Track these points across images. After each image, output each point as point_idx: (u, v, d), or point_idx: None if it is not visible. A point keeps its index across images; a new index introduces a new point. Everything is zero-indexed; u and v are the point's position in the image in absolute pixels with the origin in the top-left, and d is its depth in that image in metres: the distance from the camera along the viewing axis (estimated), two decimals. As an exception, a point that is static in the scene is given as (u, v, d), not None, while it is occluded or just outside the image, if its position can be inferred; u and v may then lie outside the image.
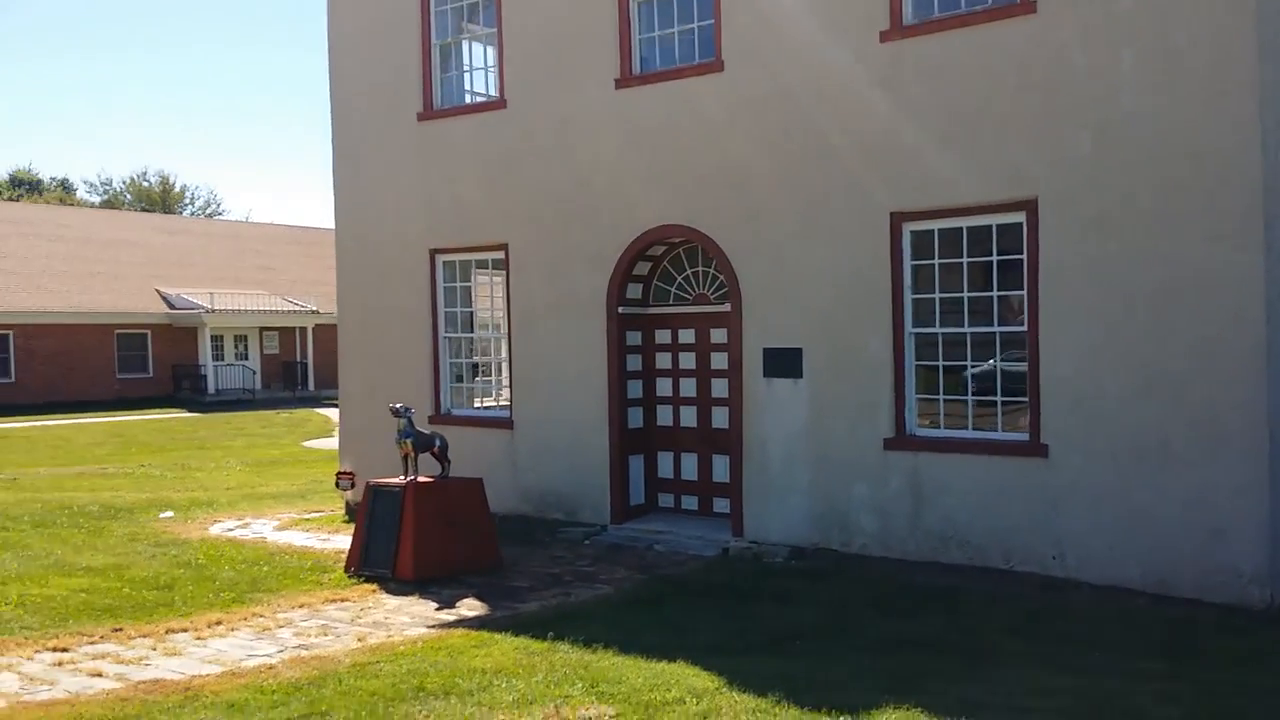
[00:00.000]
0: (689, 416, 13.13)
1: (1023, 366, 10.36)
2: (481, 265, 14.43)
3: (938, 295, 10.83)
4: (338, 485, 15.49)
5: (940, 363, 10.86)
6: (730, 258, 11.96)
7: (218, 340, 43.82)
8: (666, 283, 13.21)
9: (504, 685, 6.93)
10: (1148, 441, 9.59)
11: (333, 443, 29.07)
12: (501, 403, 15.14)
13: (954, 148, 10.50)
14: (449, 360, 14.67)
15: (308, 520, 15.13)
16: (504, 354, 14.65)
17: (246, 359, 44.90)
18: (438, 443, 11.35)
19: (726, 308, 12.43)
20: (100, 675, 7.32)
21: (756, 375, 11.81)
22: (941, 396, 10.95)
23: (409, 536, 10.61)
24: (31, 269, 42.14)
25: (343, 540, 13.21)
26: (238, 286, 45.73)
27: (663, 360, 13.31)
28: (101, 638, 8.37)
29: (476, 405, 15.02)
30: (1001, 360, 10.60)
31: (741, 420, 11.91)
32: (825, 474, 11.35)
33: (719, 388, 12.84)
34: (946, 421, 10.93)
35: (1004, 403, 10.61)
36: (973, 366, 10.73)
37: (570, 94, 13.11)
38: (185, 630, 8.68)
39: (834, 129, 11.21)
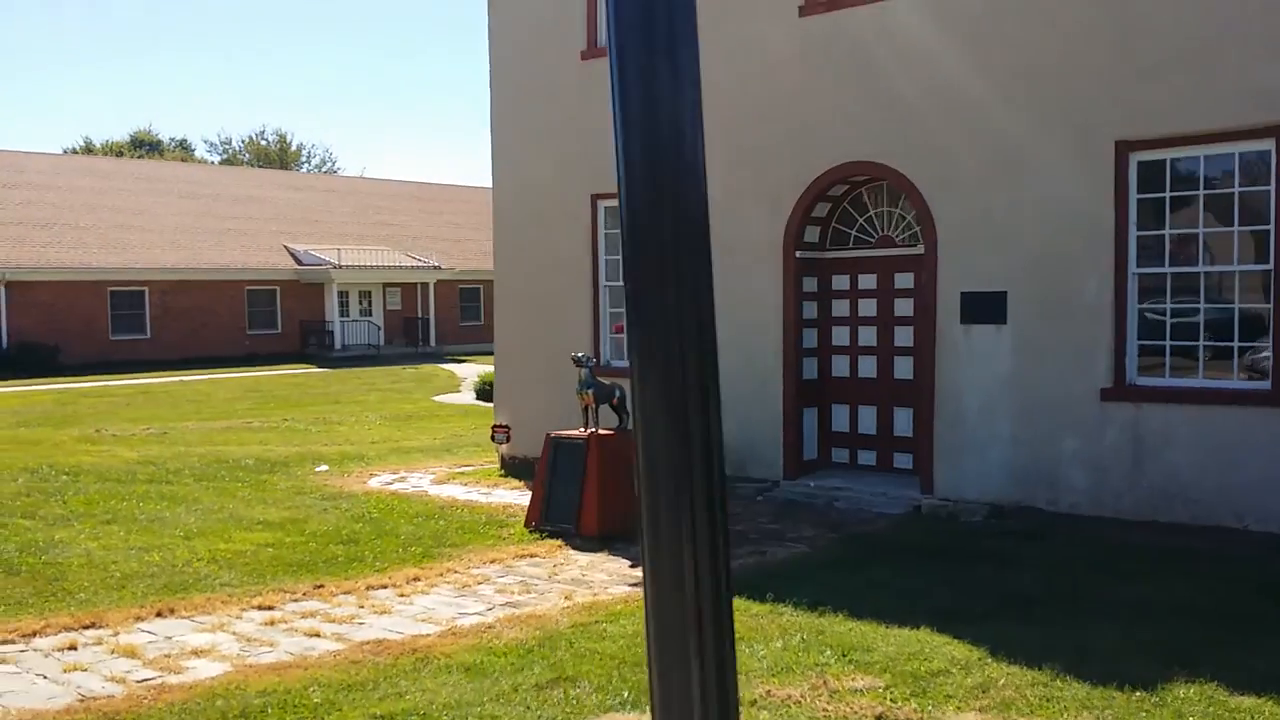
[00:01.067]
0: (867, 367, 12.43)
1: (1262, 308, 9.43)
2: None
3: (1167, 232, 9.92)
4: (493, 438, 15.18)
5: (1168, 304, 9.97)
6: (926, 195, 11.17)
7: (343, 296, 44.26)
8: (846, 225, 12.48)
9: (748, 651, 6.42)
10: None
11: (461, 398, 29.17)
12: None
13: (1192, 69, 9.55)
14: (609, 310, 14.18)
15: (463, 474, 14.88)
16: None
17: (370, 315, 45.29)
18: (617, 394, 10.89)
19: (917, 250, 11.67)
20: (318, 635, 7.02)
21: (953, 321, 11.05)
22: (1168, 342, 10.08)
23: (593, 491, 10.18)
24: (165, 225, 42.95)
25: (505, 494, 12.93)
26: (361, 243, 46.09)
27: (839, 308, 12.62)
28: (304, 594, 8.11)
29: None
30: (1240, 304, 9.68)
31: (934, 370, 11.19)
32: (1030, 427, 10.58)
33: (903, 336, 12.12)
34: (1171, 370, 10.06)
35: (1241, 348, 9.70)
36: (1206, 310, 9.81)
37: (749, 23, 12.36)
38: (386, 587, 8.38)
39: (1050, 49, 10.31)
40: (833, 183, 11.95)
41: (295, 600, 7.96)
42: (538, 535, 10.32)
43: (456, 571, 8.94)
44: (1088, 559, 9.05)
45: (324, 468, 15.79)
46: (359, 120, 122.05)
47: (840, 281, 12.58)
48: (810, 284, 12.48)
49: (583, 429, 10.72)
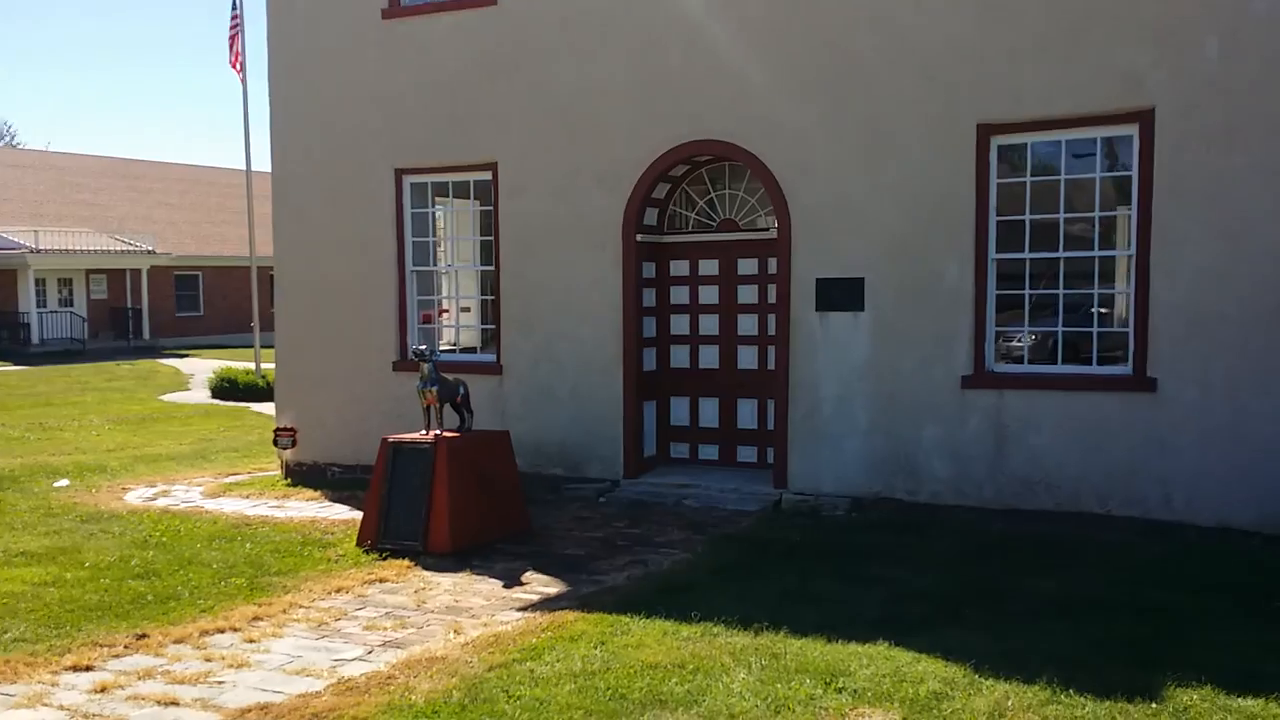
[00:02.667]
0: (709, 357, 11.82)
1: (1118, 293, 9.51)
2: (460, 188, 12.64)
3: (1028, 217, 9.83)
4: (276, 443, 13.51)
5: (1026, 291, 9.89)
6: (779, 177, 10.64)
7: (40, 285, 39.51)
8: (685, 207, 11.80)
9: (720, 686, 5.56)
10: (1273, 373, 8.89)
11: (192, 396, 26.53)
12: (464, 346, 13.49)
13: (1056, 52, 9.47)
14: (416, 297, 12.86)
15: (237, 486, 13.15)
16: (471, 290, 13.02)
17: (72, 305, 40.71)
18: (461, 390, 9.72)
19: (765, 234, 11.15)
20: (176, 704, 5.55)
21: (807, 308, 10.59)
22: (1026, 328, 10.02)
23: (443, 502, 8.98)
24: None
25: (304, 507, 11.45)
26: (60, 224, 41.32)
27: (678, 295, 11.93)
28: (127, 647, 6.52)
29: (443, 347, 13.29)
30: (1100, 288, 9.71)
31: (788, 359, 10.69)
32: (889, 416, 10.28)
33: (747, 324, 11.59)
34: (1030, 357, 10.01)
35: (1100, 334, 9.75)
36: (1065, 295, 9.80)
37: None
38: (224, 630, 6.90)
39: (913, 26, 9.99)
40: (675, 162, 11.21)
41: (118, 656, 6.38)
42: (376, 555, 9.00)
43: (302, 606, 7.55)
44: (974, 552, 8.80)
45: (64, 482, 13.59)
46: (42, 87, 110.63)
47: (679, 267, 11.88)
48: (648, 270, 11.72)
49: (424, 431, 9.48)
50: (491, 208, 12.18)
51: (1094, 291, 9.73)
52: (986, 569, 8.26)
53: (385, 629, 7.00)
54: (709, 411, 11.84)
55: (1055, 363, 9.88)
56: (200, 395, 26.28)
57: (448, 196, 12.72)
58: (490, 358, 12.33)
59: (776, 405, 10.82)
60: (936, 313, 10.05)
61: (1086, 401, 9.55)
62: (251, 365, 28.04)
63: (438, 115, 12.23)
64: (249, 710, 5.39)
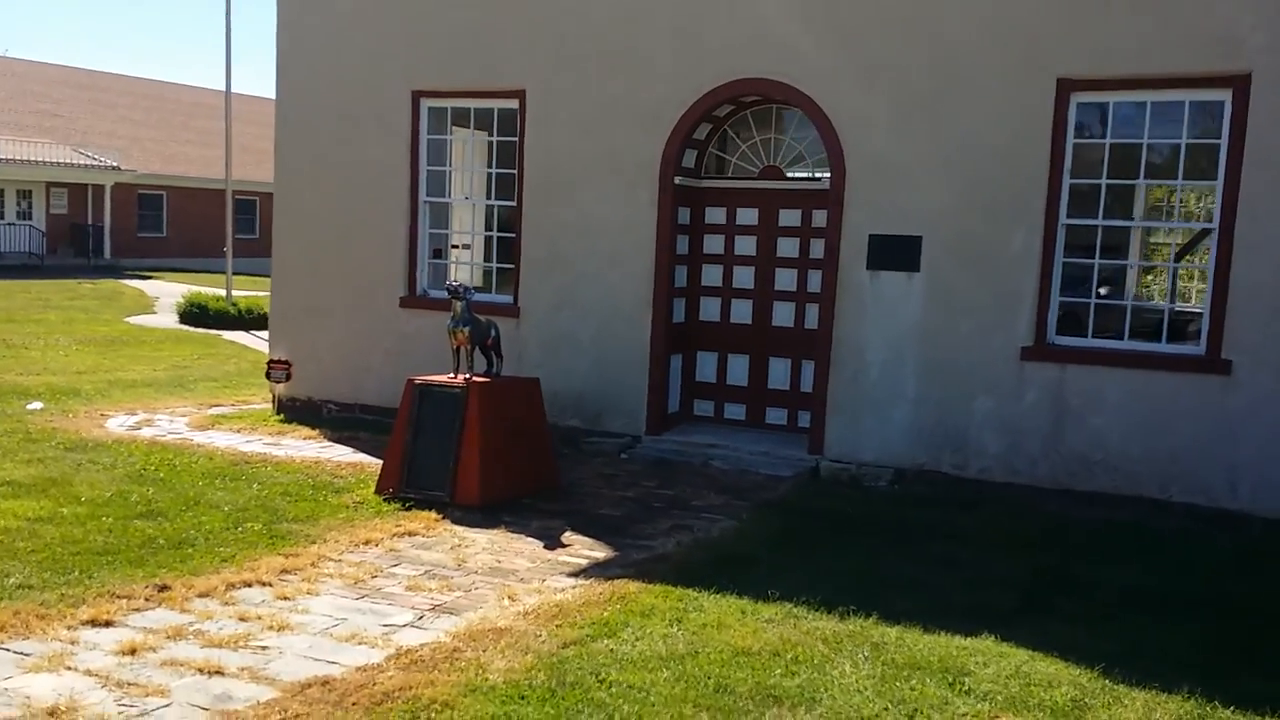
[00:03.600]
0: (742, 312, 11.19)
1: (1195, 268, 9.00)
2: (482, 116, 11.83)
3: (1105, 181, 9.26)
4: (269, 376, 12.74)
5: (1096, 260, 9.35)
6: (836, 123, 9.97)
7: (-3, 195, 37.94)
8: (726, 151, 11.10)
9: (832, 684, 5.00)
10: (1359, 363, 8.45)
11: (160, 321, 25.48)
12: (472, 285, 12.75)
13: (1150, 6, 8.86)
14: (428, 230, 12.09)
15: (224, 418, 12.39)
16: (481, 226, 12.27)
17: (31, 219, 39.14)
18: (493, 332, 9.03)
19: (815, 184, 10.50)
20: (220, 673, 4.88)
21: (857, 266, 9.99)
22: (1093, 300, 9.49)
23: (474, 451, 8.32)
24: None
25: (303, 446, 10.78)
26: (20, 134, 39.61)
27: (712, 244, 11.26)
28: (148, 600, 5.84)
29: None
30: (1175, 262, 9.20)
31: (833, 319, 10.10)
32: (940, 385, 9.74)
33: (785, 279, 10.97)
34: (1096, 331, 9.49)
35: (1173, 311, 9.25)
36: (1141, 268, 9.27)
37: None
38: (251, 584, 6.23)
39: (999, -27, 9.33)
40: (721, 101, 10.50)
41: (139, 610, 5.69)
42: (399, 505, 8.34)
43: (331, 559, 6.89)
44: (1038, 535, 8.31)
45: (38, 405, 12.76)
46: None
47: (715, 214, 11.21)
48: (683, 215, 11.03)
49: (453, 374, 8.79)
50: (516, 139, 11.41)
51: (1170, 265, 9.21)
52: (1057, 555, 7.77)
53: (430, 590, 6.36)
54: (738, 369, 11.23)
55: (1122, 339, 9.37)
56: (168, 320, 25.24)
57: (468, 124, 11.91)
58: (507, 299, 11.62)
59: (817, 367, 10.24)
60: (998, 278, 9.49)
61: (1154, 381, 9.06)
62: (222, 291, 27.05)
63: (461, 36, 11.39)
64: (309, 685, 4.74)
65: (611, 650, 5.33)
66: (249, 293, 28.60)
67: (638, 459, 10.47)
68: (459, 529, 7.82)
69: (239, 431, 11.65)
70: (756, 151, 10.95)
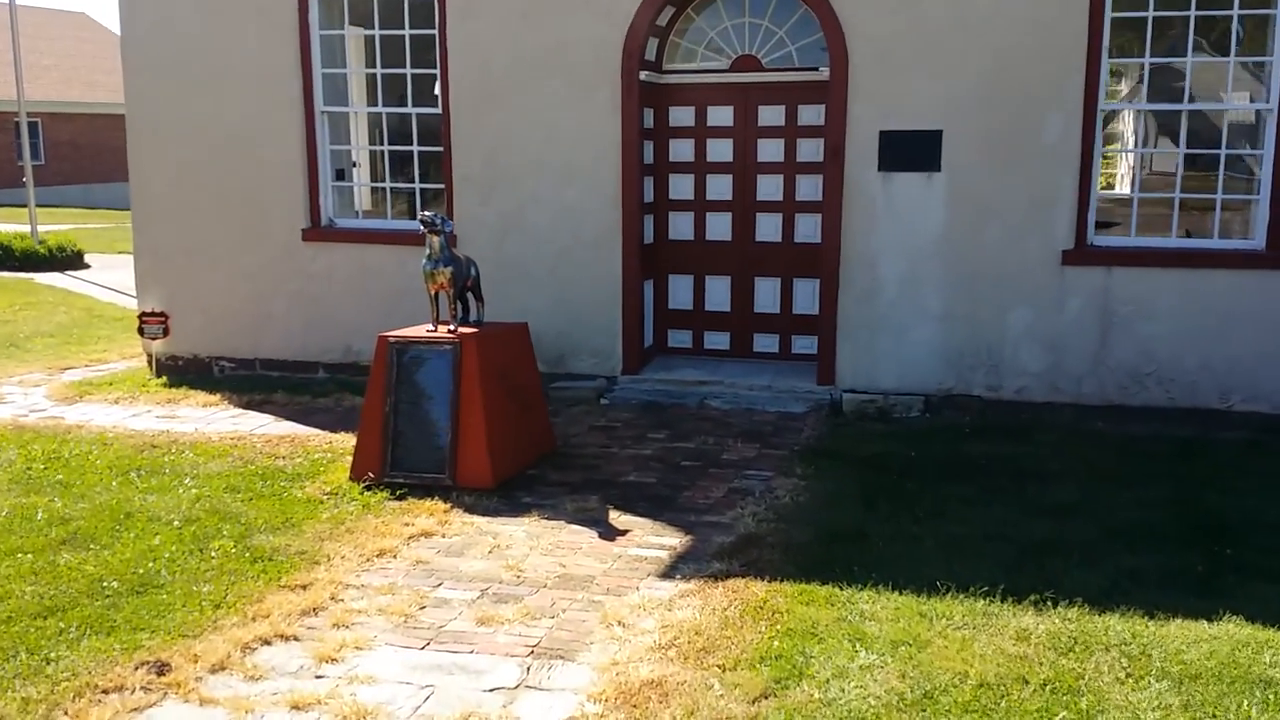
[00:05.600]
0: (719, 227, 9.77)
1: (1250, 154, 8.14)
2: (388, 5, 9.85)
3: (1147, 60, 8.22)
4: (142, 333, 10.59)
5: (1136, 150, 8.37)
6: (834, 3, 8.57)
7: None
8: (693, 40, 9.54)
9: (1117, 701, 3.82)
10: None
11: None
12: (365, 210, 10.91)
13: None
14: (329, 147, 10.11)
15: (92, 385, 10.27)
16: (385, 141, 10.39)
17: None
18: (473, 271, 7.35)
19: (808, 74, 9.11)
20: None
21: (866, 167, 8.71)
22: (1136, 194, 8.52)
23: (478, 421, 6.71)
24: None
25: (206, 417, 8.96)
26: None
27: (681, 150, 9.75)
28: (147, 689, 4.10)
29: (358, 216, 10.65)
30: (1228, 149, 8.30)
31: (839, 230, 8.83)
32: (968, 299, 8.65)
33: (768, 187, 9.60)
34: (1139, 228, 8.56)
35: (1224, 202, 8.38)
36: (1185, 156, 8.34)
37: None
38: (272, 641, 4.56)
39: None
40: (691, -21, 8.95)
41: (141, 710, 3.97)
42: (387, 494, 6.68)
43: (350, 585, 5.26)
44: (1128, 463, 7.38)
45: None
46: None
47: (682, 115, 9.68)
48: (646, 118, 9.47)
49: (433, 326, 7.09)
50: (435, 32, 9.53)
51: (1221, 152, 8.31)
52: (1168, 487, 6.81)
53: (508, 622, 4.84)
54: (718, 293, 9.85)
55: (1169, 236, 8.47)
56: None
57: (370, 18, 9.92)
58: (437, 225, 9.80)
59: (823, 286, 8.98)
60: (1032, 174, 8.40)
61: (1211, 281, 8.21)
62: (22, 228, 23.65)
63: (368, -94, 9.37)
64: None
65: (823, 703, 3.99)
66: (53, 227, 25.26)
67: (622, 404, 9.03)
68: (480, 521, 6.26)
69: (118, 403, 9.59)
70: (727, 39, 9.43)
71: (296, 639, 4.63)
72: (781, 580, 5.24)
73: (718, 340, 9.90)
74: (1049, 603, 4.93)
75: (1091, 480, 6.93)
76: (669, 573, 5.47)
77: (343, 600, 5.08)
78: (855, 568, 5.39)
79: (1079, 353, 8.49)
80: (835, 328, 8.94)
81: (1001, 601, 4.94)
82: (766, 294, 9.72)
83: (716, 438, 8.04)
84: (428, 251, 6.99)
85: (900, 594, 5.05)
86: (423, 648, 4.60)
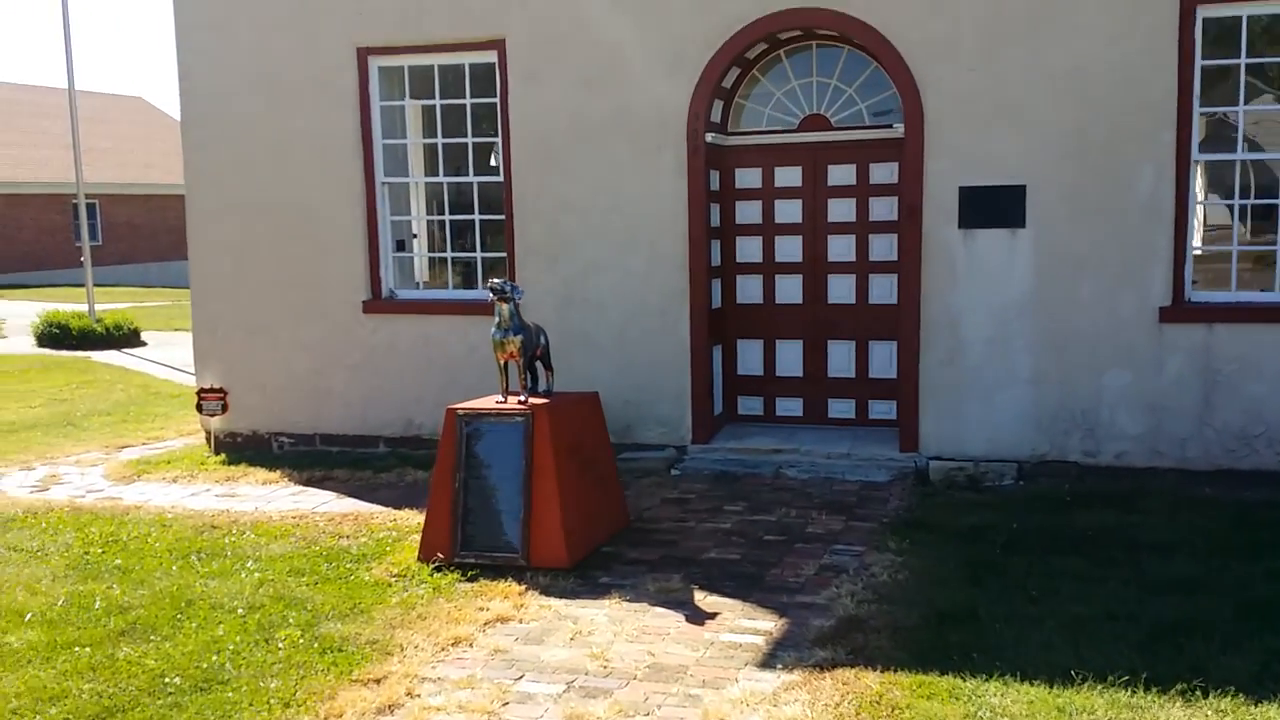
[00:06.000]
0: (789, 290, 9.43)
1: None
2: (449, 74, 9.72)
3: (1241, 109, 7.85)
4: (200, 410, 10.40)
5: (1235, 202, 7.96)
6: (907, 56, 8.30)
7: None
8: (758, 101, 9.30)
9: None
10: None
11: (13, 345, 22.13)
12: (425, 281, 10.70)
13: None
14: (390, 219, 9.94)
15: (149, 464, 10.06)
16: (448, 210, 10.19)
17: None
18: (543, 340, 7.06)
19: (881, 132, 8.82)
20: None
21: (946, 225, 8.36)
22: (1235, 248, 8.10)
23: (552, 497, 6.36)
24: None
25: (267, 496, 8.72)
26: None
27: (747, 212, 9.46)
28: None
29: (418, 286, 10.46)
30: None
31: (918, 290, 8.47)
32: (1060, 360, 8.22)
33: (840, 248, 9.27)
34: (1238, 283, 8.12)
35: (1333, 253, 7.93)
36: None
37: None
38: (350, 747, 4.20)
39: None
40: (756, 39, 8.71)
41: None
42: (458, 575, 6.33)
43: (427, 679, 4.89)
44: (1243, 532, 6.82)
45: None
46: None
47: (748, 177, 9.41)
48: (712, 180, 9.21)
49: (503, 396, 6.78)
50: (497, 100, 9.37)
51: (1325, 200, 7.90)
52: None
53: (600, 720, 4.45)
54: (789, 357, 9.48)
55: (1273, 290, 8.02)
56: (22, 343, 21.96)
57: (431, 88, 9.78)
58: (499, 295, 9.55)
59: (901, 349, 8.60)
60: (1124, 228, 8.00)
61: (1320, 336, 7.74)
62: (80, 307, 23.83)
63: (427, -25, 9.28)
64: None
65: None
66: (110, 305, 25.46)
67: (693, 475, 8.65)
68: (558, 604, 5.88)
69: (176, 482, 9.37)
70: (794, 98, 9.18)
71: (382, 744, 4.26)
72: (894, 670, 4.81)
73: (790, 407, 9.51)
74: (1197, 692, 4.45)
75: (1212, 552, 6.43)
76: (768, 661, 5.05)
77: (419, 696, 4.71)
78: (974, 654, 4.94)
79: (1181, 415, 8.01)
80: (917, 391, 8.53)
81: (1145, 692, 4.47)
82: (840, 358, 9.34)
83: (798, 509, 7.63)
84: (497, 320, 6.71)
85: (1030, 685, 4.59)
86: (510, 752, 4.22)
